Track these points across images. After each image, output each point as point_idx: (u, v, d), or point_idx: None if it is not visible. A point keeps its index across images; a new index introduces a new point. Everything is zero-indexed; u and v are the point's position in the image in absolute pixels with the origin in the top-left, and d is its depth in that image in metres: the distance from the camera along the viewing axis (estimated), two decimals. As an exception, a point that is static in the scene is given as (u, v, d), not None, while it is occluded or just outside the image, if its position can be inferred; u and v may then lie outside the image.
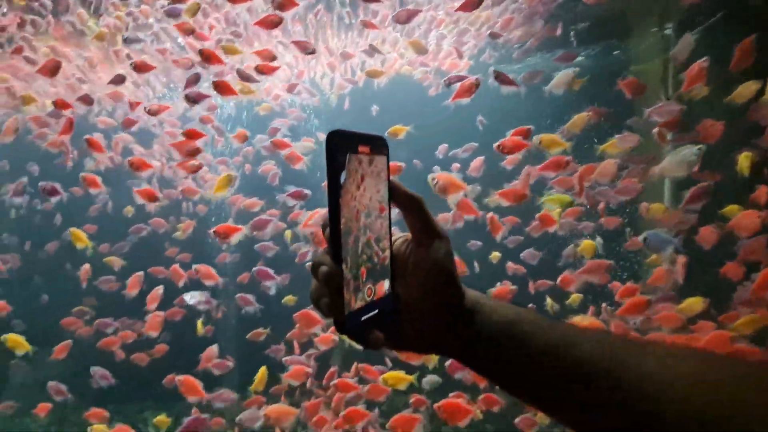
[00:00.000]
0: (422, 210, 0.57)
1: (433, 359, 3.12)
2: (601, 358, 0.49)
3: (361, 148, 0.53)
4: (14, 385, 6.17)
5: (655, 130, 2.82)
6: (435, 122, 5.23)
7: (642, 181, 3.00)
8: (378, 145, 0.56)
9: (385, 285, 0.57)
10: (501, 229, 3.52)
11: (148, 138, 5.76)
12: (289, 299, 4.68)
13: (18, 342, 4.06)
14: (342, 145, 0.50)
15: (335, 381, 2.98)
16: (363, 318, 0.53)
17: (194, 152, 3.32)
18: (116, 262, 5.25)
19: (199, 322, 4.44)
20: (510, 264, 4.55)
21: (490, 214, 3.49)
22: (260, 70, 3.26)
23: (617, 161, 3.00)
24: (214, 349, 4.01)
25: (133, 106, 4.39)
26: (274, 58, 3.45)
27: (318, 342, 3.14)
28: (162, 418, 3.76)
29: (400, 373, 2.80)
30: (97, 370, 4.33)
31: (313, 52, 3.61)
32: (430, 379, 3.17)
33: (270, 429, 3.09)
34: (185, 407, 6.58)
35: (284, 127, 4.76)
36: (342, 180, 0.50)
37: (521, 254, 4.44)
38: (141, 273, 4.28)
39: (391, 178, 0.58)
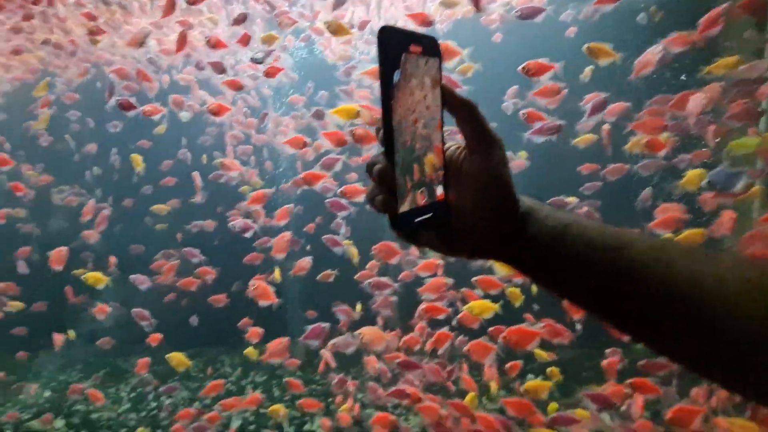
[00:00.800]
0: (476, 115, 0.56)
1: (519, 298, 3.13)
2: (655, 261, 0.48)
3: (413, 48, 0.52)
4: (109, 324, 6.84)
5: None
6: (502, 68, 5.04)
7: (754, 104, 2.77)
8: (430, 46, 0.55)
9: (438, 191, 0.57)
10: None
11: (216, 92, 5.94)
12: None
13: (97, 278, 4.44)
14: (395, 43, 0.50)
15: (424, 306, 3.06)
16: (416, 220, 0.53)
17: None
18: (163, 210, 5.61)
19: (277, 270, 4.65)
20: (585, 208, 4.41)
21: (606, 126, 3.34)
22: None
23: (722, 85, 2.78)
24: (308, 260, 4.18)
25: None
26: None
27: (419, 270, 3.19)
28: (251, 350, 4.02)
29: (486, 302, 2.84)
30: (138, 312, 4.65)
31: None
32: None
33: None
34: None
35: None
36: (395, 80, 0.49)
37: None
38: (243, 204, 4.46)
39: (443, 82, 0.57)
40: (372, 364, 3.13)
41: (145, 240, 6.45)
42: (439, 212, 0.57)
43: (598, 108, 3.26)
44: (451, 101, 0.57)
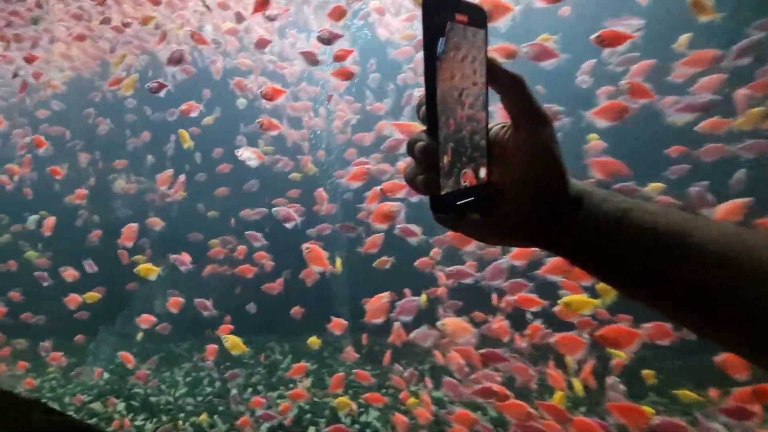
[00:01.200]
0: (524, 91, 0.52)
1: (610, 293, 2.85)
2: (727, 249, 0.45)
3: (458, 17, 0.49)
4: (161, 310, 7.00)
5: None
6: (567, 43, 4.69)
7: None
8: (477, 15, 0.51)
9: (481, 172, 0.53)
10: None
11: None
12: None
13: (148, 269, 4.49)
14: (440, 10, 0.47)
15: (516, 297, 2.83)
16: (458, 203, 0.51)
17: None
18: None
19: (338, 261, 4.52)
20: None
21: (744, 92, 2.97)
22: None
23: None
24: (380, 236, 4.00)
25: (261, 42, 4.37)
26: None
27: (512, 258, 2.95)
28: (314, 339, 3.93)
29: (584, 296, 2.58)
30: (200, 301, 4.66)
31: None
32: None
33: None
34: (303, 341, 7.08)
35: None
36: (439, 50, 0.47)
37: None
38: (322, 189, 4.32)
39: (490, 55, 0.53)
40: (454, 358, 2.92)
41: (197, 227, 6.50)
42: (482, 195, 0.54)
43: (749, 49, 2.84)
44: (497, 76, 0.52)
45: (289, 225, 4.27)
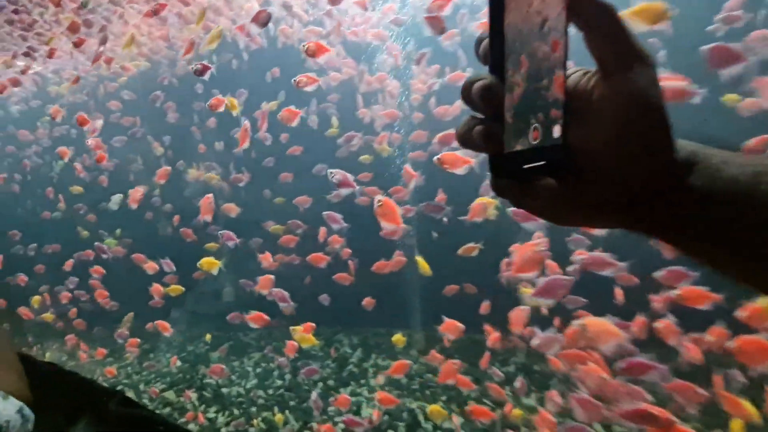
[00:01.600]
0: (615, 23, 0.39)
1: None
2: None
3: None
4: (229, 299, 6.99)
5: None
6: None
7: None
8: None
9: (555, 130, 0.41)
10: None
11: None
12: (487, 201, 3.95)
13: (210, 263, 4.35)
14: None
15: (681, 289, 2.19)
16: (525, 166, 0.40)
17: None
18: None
19: (420, 260, 4.08)
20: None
21: None
22: None
23: None
24: (484, 204, 3.49)
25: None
26: None
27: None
28: (399, 337, 3.51)
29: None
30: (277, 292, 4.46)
31: None
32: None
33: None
34: (373, 333, 6.75)
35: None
36: None
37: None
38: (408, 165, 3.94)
39: None
40: (592, 370, 2.33)
41: (266, 213, 6.33)
42: (555, 159, 0.41)
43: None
44: (580, 6, 0.39)
45: (343, 192, 3.79)
